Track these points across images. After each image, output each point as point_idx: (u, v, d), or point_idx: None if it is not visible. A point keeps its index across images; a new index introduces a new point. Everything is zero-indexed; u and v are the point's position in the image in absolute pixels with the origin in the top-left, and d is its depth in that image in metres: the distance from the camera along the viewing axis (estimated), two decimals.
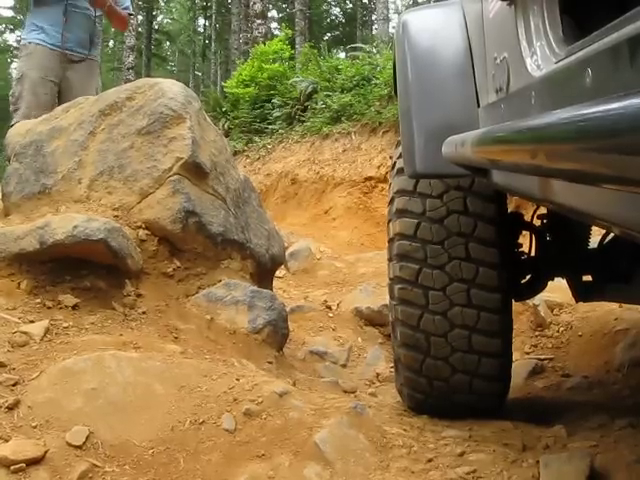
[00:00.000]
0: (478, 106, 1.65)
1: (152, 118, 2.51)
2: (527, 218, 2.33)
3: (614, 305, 3.03)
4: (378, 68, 8.72)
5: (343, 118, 8.52)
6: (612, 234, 2.09)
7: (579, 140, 0.64)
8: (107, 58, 33.50)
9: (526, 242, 2.29)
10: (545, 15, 1.17)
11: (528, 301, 3.16)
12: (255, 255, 2.72)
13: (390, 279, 2.19)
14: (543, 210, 2.22)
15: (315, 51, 11.73)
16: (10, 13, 31.98)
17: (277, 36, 14.52)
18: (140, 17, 23.31)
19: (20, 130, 2.78)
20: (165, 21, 35.84)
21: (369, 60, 9.35)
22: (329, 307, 3.62)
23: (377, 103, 8.12)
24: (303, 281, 4.35)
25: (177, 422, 1.67)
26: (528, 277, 2.30)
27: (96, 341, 1.94)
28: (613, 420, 1.96)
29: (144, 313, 2.25)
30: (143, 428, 1.64)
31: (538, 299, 3.23)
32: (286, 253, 3.59)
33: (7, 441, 1.49)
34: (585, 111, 0.63)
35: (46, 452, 1.49)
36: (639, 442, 1.73)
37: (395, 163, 2.21)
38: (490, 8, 1.47)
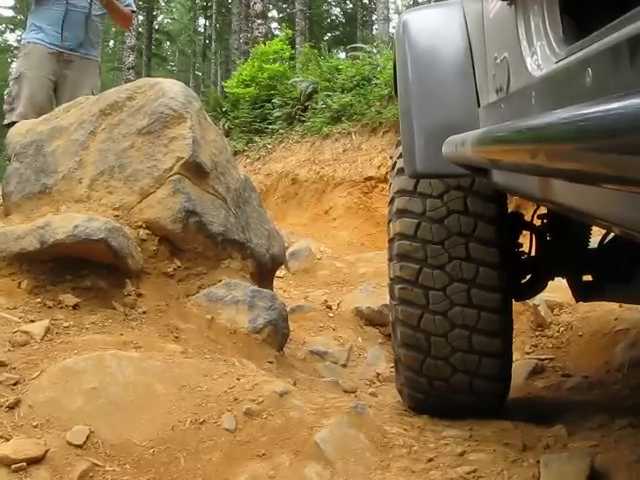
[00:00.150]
0: (478, 106, 1.65)
1: (153, 118, 2.52)
2: (527, 218, 2.33)
3: (614, 305, 3.03)
4: (378, 68, 8.72)
5: (343, 118, 8.52)
6: (612, 234, 2.09)
7: (579, 140, 0.64)
8: (107, 58, 33.48)
9: (526, 242, 2.29)
10: (545, 15, 1.17)
11: (528, 301, 3.16)
12: (255, 255, 2.72)
13: (390, 279, 2.19)
14: (543, 210, 2.22)
15: (315, 51, 11.73)
16: (10, 13, 32.01)
17: (277, 36, 14.52)
18: (140, 17, 23.31)
19: (20, 130, 2.78)
20: (165, 21, 35.83)
21: (369, 60, 9.35)
22: (329, 307, 3.62)
23: (377, 103, 8.12)
24: (303, 281, 4.35)
25: (177, 422, 1.67)
26: (528, 277, 2.30)
27: (97, 341, 1.94)
28: (613, 420, 1.96)
29: (144, 313, 2.25)
30: (144, 427, 1.64)
31: (538, 299, 3.23)
32: (286, 253, 3.59)
33: (8, 440, 1.50)
34: (585, 111, 0.63)
35: (47, 451, 1.49)
36: (639, 442, 1.73)
37: (395, 163, 2.22)
38: (490, 8, 1.47)
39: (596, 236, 2.27)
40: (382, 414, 2.17)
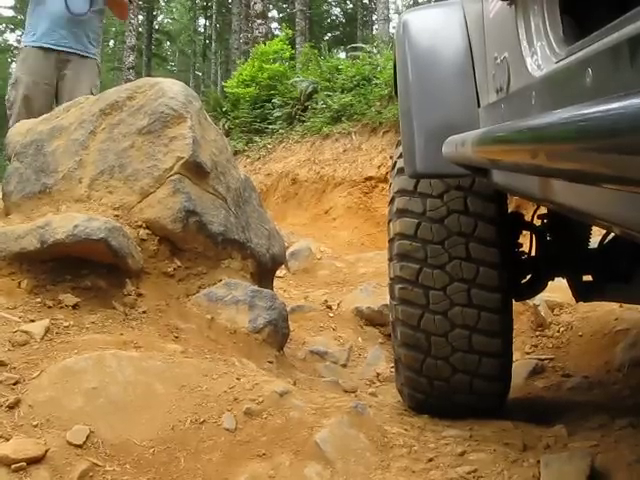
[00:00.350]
0: (478, 106, 1.65)
1: (153, 117, 2.52)
2: (527, 218, 2.33)
3: (614, 305, 3.03)
4: (378, 68, 8.72)
5: (343, 118, 8.52)
6: (612, 234, 2.09)
7: (579, 140, 0.64)
8: (107, 58, 33.50)
9: (526, 242, 2.29)
10: (545, 15, 1.17)
11: (528, 301, 3.16)
12: (256, 255, 2.72)
13: (390, 279, 2.19)
14: (543, 210, 2.22)
15: (315, 51, 11.73)
16: (10, 13, 32.03)
17: (277, 36, 14.52)
18: (140, 17, 23.31)
19: (21, 129, 2.78)
20: (165, 21, 35.85)
21: (369, 60, 9.35)
22: (329, 307, 3.62)
23: (377, 103, 8.12)
24: (303, 281, 4.35)
25: (178, 421, 1.67)
26: (528, 277, 2.30)
27: (97, 340, 1.94)
28: (613, 420, 1.96)
29: (144, 312, 2.25)
30: (144, 427, 1.64)
31: (538, 299, 3.23)
32: (286, 253, 3.59)
33: (8, 440, 1.50)
34: (585, 111, 0.63)
35: (47, 451, 1.49)
36: (639, 442, 1.73)
37: (395, 163, 2.22)
38: (490, 8, 1.47)
39: (596, 236, 2.27)
40: (382, 414, 2.17)
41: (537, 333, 3.32)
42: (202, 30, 33.19)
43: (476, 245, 2.04)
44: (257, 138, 10.17)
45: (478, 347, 2.05)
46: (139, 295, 2.31)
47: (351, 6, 30.51)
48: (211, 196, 2.56)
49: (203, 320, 2.32)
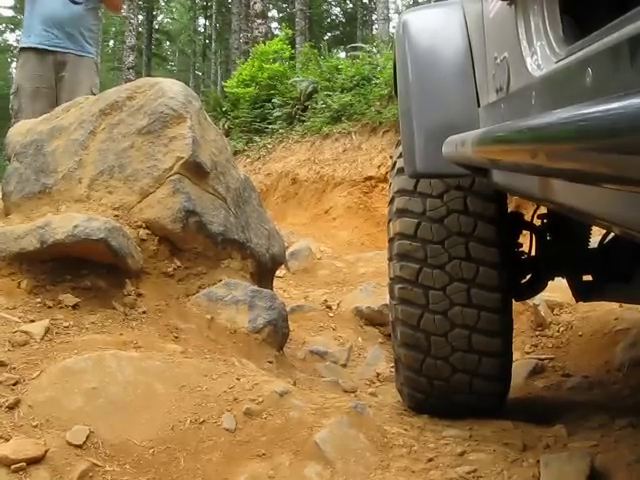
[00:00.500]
0: (478, 106, 1.65)
1: (152, 117, 2.51)
2: (527, 218, 2.33)
3: (614, 305, 3.03)
4: (378, 68, 8.72)
5: (343, 118, 8.52)
6: (612, 234, 2.09)
7: (579, 140, 0.64)
8: (107, 58, 33.52)
9: (526, 242, 2.29)
10: (545, 15, 1.17)
11: (528, 301, 3.16)
12: (255, 255, 2.72)
13: (390, 279, 2.19)
14: (543, 210, 2.22)
15: (315, 51, 11.73)
16: (10, 13, 32.03)
17: (277, 36, 14.52)
18: (140, 17, 23.31)
19: (20, 129, 2.78)
20: (165, 21, 35.85)
21: (369, 60, 9.35)
22: (329, 307, 3.62)
23: (377, 103, 8.12)
24: (303, 281, 4.35)
25: (177, 421, 1.67)
26: (528, 277, 2.30)
27: (96, 340, 1.94)
28: (613, 420, 1.96)
29: (144, 313, 2.25)
30: (143, 427, 1.64)
31: (538, 299, 3.23)
32: (286, 253, 3.59)
33: (8, 440, 1.50)
34: (585, 111, 0.63)
35: (46, 451, 1.49)
36: (639, 442, 1.73)
37: (395, 163, 2.22)
38: (490, 8, 1.47)
39: (596, 236, 2.27)
40: (382, 414, 2.17)
41: (537, 333, 3.32)
42: (202, 30, 33.21)
43: (476, 245, 2.04)
44: (257, 138, 10.17)
45: (478, 347, 2.05)
46: (139, 295, 2.30)
47: (351, 6, 30.52)
48: (211, 196, 2.56)
49: (203, 320, 2.32)
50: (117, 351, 1.84)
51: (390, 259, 2.19)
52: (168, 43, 35.75)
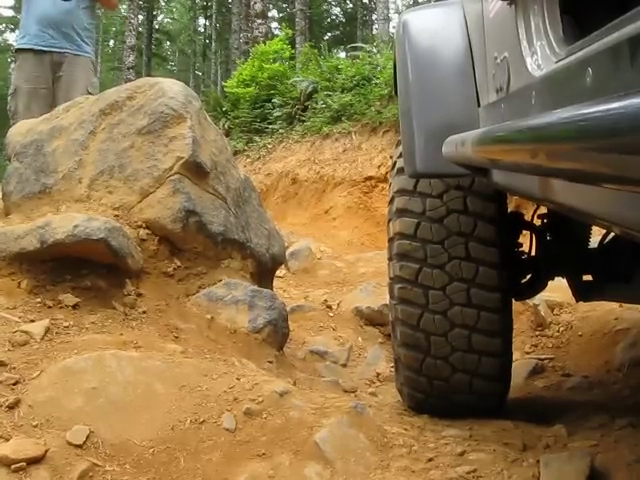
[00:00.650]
0: (478, 106, 1.65)
1: (152, 117, 2.51)
2: (527, 218, 2.33)
3: (614, 305, 3.03)
4: (378, 68, 8.72)
5: (343, 118, 8.52)
6: (612, 234, 2.09)
7: (579, 140, 0.64)
8: (107, 58, 33.53)
9: (526, 242, 2.29)
10: (545, 15, 1.17)
11: (528, 301, 3.16)
12: (255, 255, 2.72)
13: (390, 278, 2.19)
14: (543, 210, 2.22)
15: (315, 51, 11.73)
16: (10, 13, 32.04)
17: (277, 36, 14.52)
18: (140, 17, 23.30)
19: (20, 129, 2.78)
20: (165, 21, 35.87)
21: (369, 60, 9.35)
22: (329, 307, 3.62)
23: (377, 103, 8.12)
24: (303, 281, 4.35)
25: (177, 421, 1.67)
26: (528, 277, 2.30)
27: (96, 340, 1.94)
28: (613, 420, 1.96)
29: (144, 312, 2.25)
30: (143, 427, 1.64)
31: (538, 299, 3.23)
32: (286, 253, 3.59)
33: (8, 440, 1.50)
34: (585, 111, 0.63)
35: (46, 451, 1.49)
36: (639, 442, 1.73)
37: (395, 163, 2.22)
38: (490, 8, 1.47)
39: (596, 236, 2.27)
40: (382, 414, 2.17)
41: (537, 333, 3.32)
42: (202, 30, 33.21)
43: (476, 245, 2.04)
44: (257, 138, 10.17)
45: (478, 347, 2.05)
46: (139, 295, 2.30)
47: (351, 6, 30.52)
48: (211, 196, 2.56)
49: (203, 320, 2.32)
50: (117, 351, 1.84)
51: (390, 259, 2.19)
52: (168, 43, 35.76)
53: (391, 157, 2.41)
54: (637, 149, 0.52)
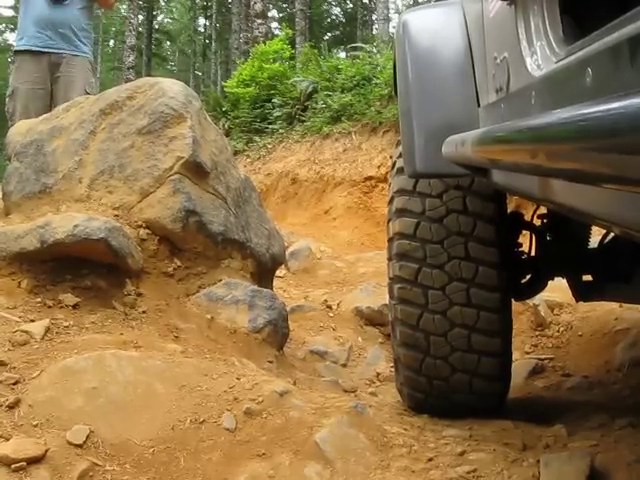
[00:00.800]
0: (478, 106, 1.65)
1: (153, 117, 2.52)
2: (527, 218, 2.33)
3: (614, 305, 3.03)
4: (378, 68, 8.72)
5: (343, 118, 8.52)
6: (612, 234, 2.09)
7: (579, 140, 0.64)
8: (107, 58, 33.52)
9: (526, 242, 2.29)
10: (545, 15, 1.17)
11: (528, 301, 3.16)
12: (255, 254, 2.72)
13: (390, 278, 2.19)
14: (543, 210, 2.22)
15: (315, 51, 11.73)
16: (10, 13, 32.01)
17: (277, 36, 14.52)
18: (140, 17, 23.30)
19: (21, 129, 2.78)
20: (165, 21, 35.87)
21: (369, 60, 9.35)
22: (329, 307, 3.62)
23: (377, 103, 8.12)
24: (303, 281, 4.35)
25: (177, 421, 1.67)
26: (528, 277, 2.30)
27: (97, 340, 1.94)
28: (613, 420, 1.96)
29: (144, 312, 2.25)
30: (144, 427, 1.64)
31: (538, 299, 3.23)
32: (286, 253, 3.59)
33: (8, 440, 1.50)
34: (585, 111, 0.63)
35: (47, 451, 1.49)
36: (639, 442, 1.73)
37: (395, 163, 2.22)
38: (490, 8, 1.47)
39: (596, 236, 2.27)
40: (382, 414, 2.17)
41: (537, 333, 3.33)
42: (202, 30, 33.20)
43: (475, 245, 2.04)
44: (257, 138, 10.17)
45: (477, 347, 2.05)
46: (139, 295, 2.31)
47: (351, 6, 30.51)
48: (211, 196, 2.56)
49: (203, 320, 2.32)
50: (117, 351, 1.84)
51: (389, 259, 2.19)
52: (168, 43, 35.75)
53: (391, 157, 2.41)
54: (637, 149, 0.52)
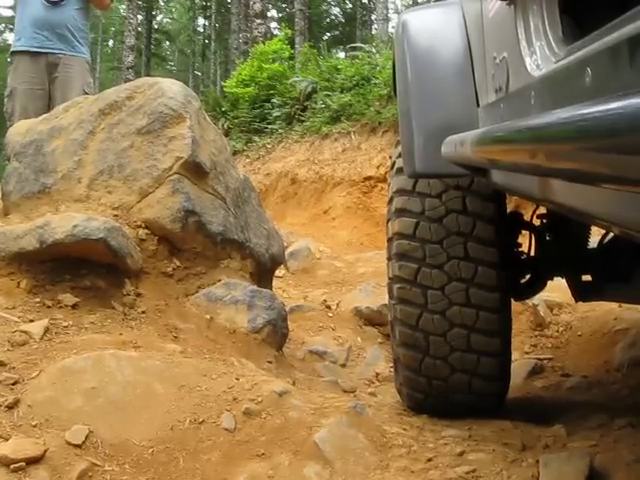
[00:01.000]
0: (478, 106, 1.65)
1: (152, 117, 2.51)
2: (527, 218, 2.33)
3: (614, 305, 3.03)
4: (378, 68, 8.72)
5: (343, 118, 8.51)
6: (612, 234, 2.09)
7: (578, 140, 0.64)
8: (107, 58, 33.52)
9: (526, 242, 2.29)
10: (545, 15, 1.17)
11: (528, 301, 3.16)
12: (255, 255, 2.72)
13: (389, 278, 2.19)
14: (543, 210, 2.22)
15: (315, 51, 11.72)
16: (10, 13, 32.00)
17: (277, 36, 14.51)
18: (140, 17, 23.29)
19: (20, 129, 2.78)
20: (165, 21, 35.85)
21: (369, 60, 9.34)
22: (328, 307, 3.62)
23: (377, 103, 8.11)
24: (303, 281, 4.35)
25: (177, 421, 1.67)
26: (527, 277, 2.30)
27: (96, 340, 1.94)
28: (612, 420, 1.96)
29: (144, 312, 2.25)
30: (143, 427, 1.64)
31: (538, 299, 3.23)
32: (286, 253, 3.59)
33: (7, 440, 1.50)
34: (585, 111, 0.63)
35: (46, 451, 1.49)
36: (638, 442, 1.73)
37: (394, 163, 2.22)
38: (490, 8, 1.47)
39: (596, 236, 2.27)
40: (381, 414, 2.17)
41: (536, 333, 3.33)
42: (201, 30, 33.19)
43: (475, 245, 2.04)
44: (256, 138, 10.16)
45: (477, 347, 2.05)
46: (138, 295, 2.30)
47: (350, 6, 30.51)
48: (210, 196, 2.56)
49: (202, 320, 2.32)
50: (116, 351, 1.84)
51: (389, 259, 2.19)
52: (167, 43, 35.75)
53: (390, 157, 2.41)
54: (636, 149, 0.52)
